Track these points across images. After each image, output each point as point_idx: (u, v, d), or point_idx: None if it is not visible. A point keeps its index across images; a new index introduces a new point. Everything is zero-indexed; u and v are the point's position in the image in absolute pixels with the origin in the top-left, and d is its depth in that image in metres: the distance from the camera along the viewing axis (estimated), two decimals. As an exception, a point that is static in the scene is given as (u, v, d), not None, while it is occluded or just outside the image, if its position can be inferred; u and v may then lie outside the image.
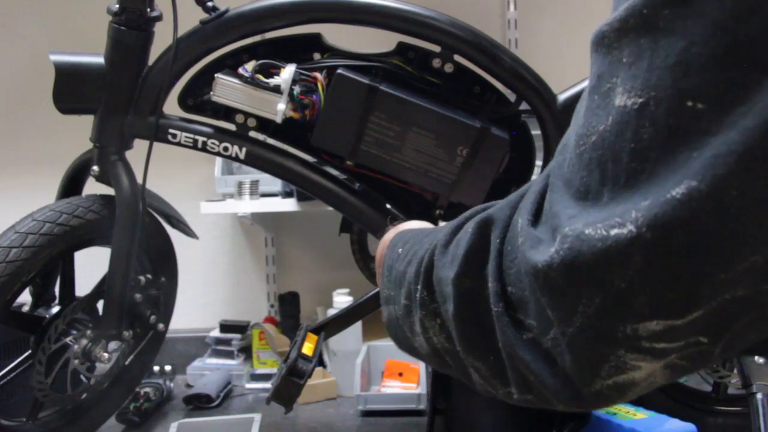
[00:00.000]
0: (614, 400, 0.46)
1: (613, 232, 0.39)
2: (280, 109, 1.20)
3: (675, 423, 1.28)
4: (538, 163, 1.32)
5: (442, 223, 0.91)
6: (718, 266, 0.37)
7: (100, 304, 1.35)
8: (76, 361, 1.30)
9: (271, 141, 1.32)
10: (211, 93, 1.23)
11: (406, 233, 0.73)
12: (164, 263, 1.46)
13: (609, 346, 0.42)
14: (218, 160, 1.94)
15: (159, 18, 1.26)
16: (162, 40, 1.27)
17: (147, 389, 1.76)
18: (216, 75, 1.23)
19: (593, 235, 0.39)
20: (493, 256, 0.50)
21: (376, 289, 1.33)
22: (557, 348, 0.45)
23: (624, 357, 0.42)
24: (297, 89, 1.21)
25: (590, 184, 0.41)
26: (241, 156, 1.27)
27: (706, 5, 0.36)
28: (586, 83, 1.32)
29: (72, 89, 1.25)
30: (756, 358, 1.18)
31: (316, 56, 1.26)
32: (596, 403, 0.47)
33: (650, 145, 0.38)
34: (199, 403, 1.80)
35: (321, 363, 1.90)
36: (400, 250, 0.68)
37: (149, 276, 1.41)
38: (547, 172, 0.48)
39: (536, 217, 0.47)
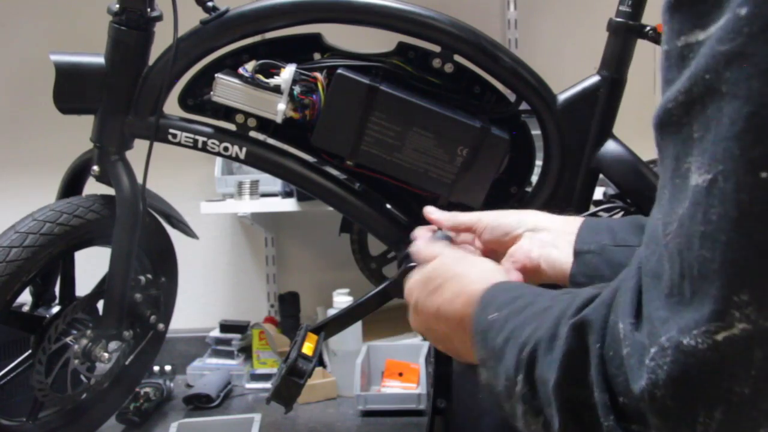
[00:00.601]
0: None
1: (722, 336, 0.34)
2: (280, 109, 1.20)
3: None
4: (538, 163, 1.32)
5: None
6: None
7: (100, 304, 1.35)
8: (76, 361, 1.30)
9: (271, 141, 1.32)
10: (212, 93, 1.23)
11: (498, 292, 0.65)
12: (164, 263, 1.46)
13: None
14: (218, 160, 1.94)
15: (159, 18, 1.26)
16: (162, 40, 1.27)
17: (147, 389, 1.77)
18: (216, 75, 1.23)
19: (694, 344, 0.35)
20: (595, 364, 0.44)
21: (376, 289, 1.33)
22: None
23: None
24: (297, 89, 1.21)
25: (674, 278, 0.37)
26: (241, 156, 1.27)
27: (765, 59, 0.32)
28: (586, 83, 1.32)
29: (72, 89, 1.25)
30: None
31: (316, 56, 1.26)
32: None
33: (719, 228, 0.34)
34: (199, 403, 1.80)
35: (321, 363, 1.90)
36: (495, 315, 0.61)
37: (149, 276, 1.41)
38: (637, 265, 0.43)
39: (638, 318, 0.41)
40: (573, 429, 0.47)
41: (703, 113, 0.35)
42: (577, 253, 0.81)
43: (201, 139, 1.27)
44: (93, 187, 1.35)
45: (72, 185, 1.37)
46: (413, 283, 0.77)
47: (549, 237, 0.84)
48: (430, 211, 0.94)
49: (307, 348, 1.26)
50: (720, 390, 0.35)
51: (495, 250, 0.88)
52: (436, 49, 1.24)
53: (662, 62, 0.39)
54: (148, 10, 1.24)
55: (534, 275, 0.83)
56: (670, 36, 0.38)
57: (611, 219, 0.88)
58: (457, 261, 0.75)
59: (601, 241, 0.80)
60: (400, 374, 1.81)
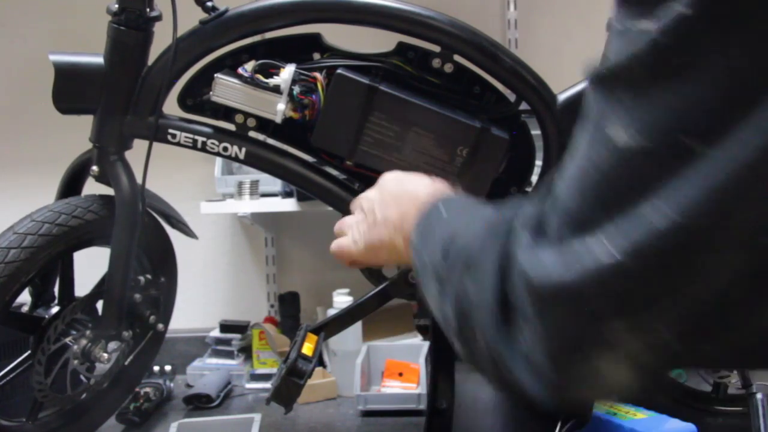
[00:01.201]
0: (586, 397, 0.52)
1: (590, 252, 0.43)
2: (279, 109, 1.20)
3: (675, 423, 1.28)
4: (538, 162, 1.32)
5: None
6: (686, 284, 0.42)
7: (99, 305, 1.35)
8: (76, 362, 1.30)
9: (270, 141, 1.32)
10: (211, 93, 1.23)
11: (451, 201, 0.75)
12: (164, 263, 1.46)
13: (582, 345, 0.46)
14: (218, 160, 1.94)
15: (158, 18, 1.26)
16: (161, 40, 1.27)
17: (147, 389, 1.76)
18: (215, 75, 1.22)
19: (576, 258, 0.44)
20: (496, 263, 0.52)
21: (376, 289, 1.33)
22: (533, 348, 0.49)
23: (594, 357, 0.46)
24: (297, 89, 1.21)
25: (583, 207, 0.45)
26: (241, 156, 1.27)
27: (709, 54, 0.39)
28: (586, 84, 1.32)
29: (71, 89, 1.25)
30: (756, 358, 1.18)
31: (316, 56, 1.26)
32: (568, 400, 0.51)
33: (623, 174, 0.42)
34: (199, 403, 1.80)
35: (321, 363, 1.90)
36: (444, 213, 0.70)
37: (149, 276, 1.41)
38: (549, 185, 0.50)
39: (536, 229, 0.49)
40: (463, 307, 0.55)
41: (638, 83, 0.43)
42: None
43: (200, 139, 1.27)
44: (92, 188, 1.35)
45: (71, 185, 1.37)
46: (398, 173, 0.90)
47: None
48: None
49: (307, 348, 1.26)
50: (584, 300, 0.44)
51: None
52: (436, 49, 1.24)
53: (612, 25, 0.46)
54: (147, 10, 1.24)
55: None
56: (620, 15, 0.45)
57: None
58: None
59: None
60: (400, 374, 1.81)
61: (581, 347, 0.46)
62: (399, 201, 0.83)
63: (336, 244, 0.97)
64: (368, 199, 0.89)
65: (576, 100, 1.28)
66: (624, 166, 0.43)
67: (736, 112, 0.39)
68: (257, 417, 1.60)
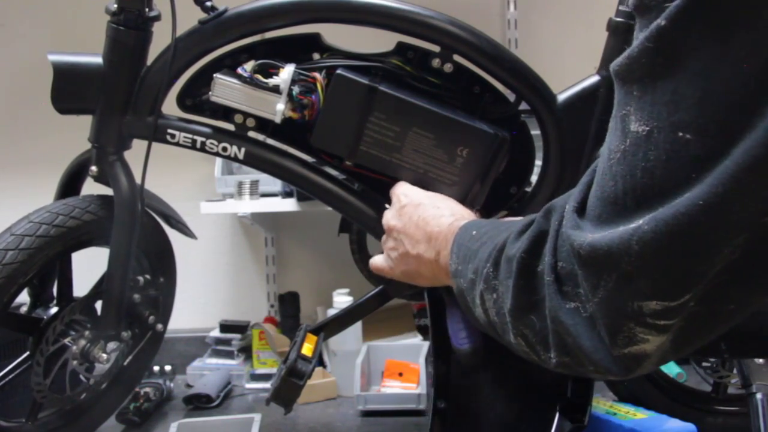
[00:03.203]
0: (634, 370, 0.57)
1: (625, 227, 0.50)
2: (279, 109, 1.20)
3: (675, 423, 1.28)
4: (538, 162, 1.32)
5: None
6: (700, 261, 0.48)
7: (98, 305, 1.34)
8: (75, 362, 1.29)
9: (270, 141, 1.31)
10: (210, 93, 1.23)
11: (481, 221, 0.84)
12: (163, 263, 1.46)
13: (622, 317, 0.53)
14: (218, 160, 1.94)
15: (157, 18, 1.26)
16: (161, 39, 1.27)
17: (147, 389, 1.76)
18: (215, 75, 1.22)
19: (612, 231, 0.51)
20: (551, 236, 0.60)
21: (376, 289, 1.33)
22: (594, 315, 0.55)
23: (634, 330, 0.53)
24: (296, 89, 1.20)
25: (617, 192, 0.51)
26: (240, 156, 1.27)
27: (688, 57, 0.45)
28: (586, 83, 1.32)
29: (70, 89, 1.25)
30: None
31: (316, 56, 1.26)
32: (621, 370, 0.56)
33: (656, 165, 0.48)
34: (199, 403, 1.80)
35: (321, 363, 1.90)
36: (475, 232, 0.78)
37: (148, 276, 1.41)
38: (594, 168, 0.59)
39: (582, 205, 0.57)
40: (522, 285, 0.63)
41: (641, 80, 0.48)
42: None
43: (199, 139, 1.27)
44: (91, 188, 1.35)
45: (70, 186, 1.37)
46: (411, 189, 1.03)
47: None
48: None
49: (307, 349, 1.26)
50: (617, 265, 0.51)
51: None
52: (436, 49, 1.24)
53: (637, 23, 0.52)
54: (146, 9, 1.23)
55: None
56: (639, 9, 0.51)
57: None
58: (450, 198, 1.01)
59: None
60: (400, 374, 1.81)
61: (619, 305, 0.52)
62: (427, 234, 0.90)
63: (374, 263, 1.06)
64: (395, 230, 0.96)
65: (576, 100, 1.27)
66: (644, 154, 0.48)
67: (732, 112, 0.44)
68: (257, 417, 1.60)
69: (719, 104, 0.44)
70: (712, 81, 0.44)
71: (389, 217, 0.99)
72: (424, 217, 0.93)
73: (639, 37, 0.49)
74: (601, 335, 0.55)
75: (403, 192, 1.00)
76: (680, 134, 0.46)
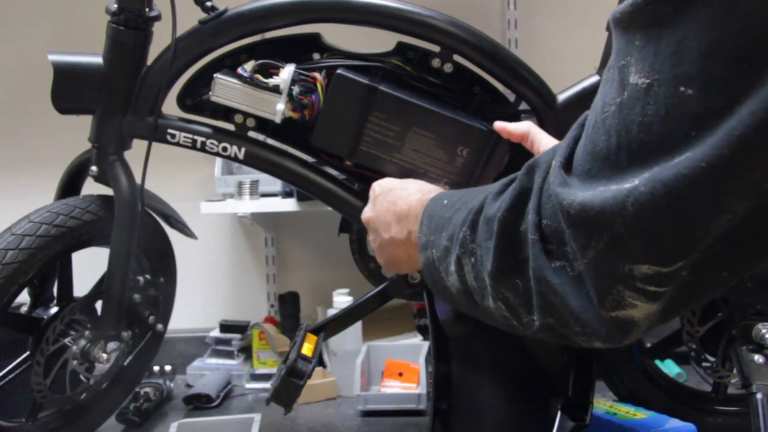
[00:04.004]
0: (621, 337, 0.54)
1: (618, 186, 0.47)
2: (279, 109, 1.20)
3: (675, 423, 1.28)
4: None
5: None
6: (697, 227, 0.45)
7: (98, 305, 1.34)
8: (75, 362, 1.30)
9: (270, 141, 1.31)
10: (210, 93, 1.23)
11: (452, 191, 0.80)
12: (163, 263, 1.46)
13: (611, 280, 0.50)
14: (218, 160, 1.94)
15: (157, 18, 1.26)
16: (161, 39, 1.27)
17: (147, 389, 1.76)
18: (215, 75, 1.22)
19: (605, 189, 0.48)
20: (535, 193, 0.57)
21: (376, 290, 1.33)
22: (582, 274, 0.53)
23: (623, 293, 0.51)
24: (296, 89, 1.20)
25: (610, 147, 0.49)
26: (240, 156, 1.27)
27: (698, 4, 0.42)
28: (586, 83, 1.32)
29: (70, 89, 1.25)
30: (756, 358, 1.18)
31: (316, 56, 1.26)
32: (608, 334, 0.54)
33: (654, 120, 0.45)
34: (199, 403, 1.79)
35: (321, 363, 1.90)
36: (446, 201, 0.75)
37: (148, 276, 1.41)
38: (582, 121, 0.56)
39: (568, 161, 0.54)
40: (504, 245, 0.60)
41: (645, 29, 0.45)
42: None
43: (200, 139, 1.27)
44: (91, 188, 1.35)
45: (70, 186, 1.37)
46: (383, 180, 0.97)
47: None
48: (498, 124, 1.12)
49: (307, 349, 1.26)
50: (606, 222, 0.48)
51: None
52: (436, 49, 1.24)
53: None
54: (147, 9, 1.23)
55: None
56: None
57: None
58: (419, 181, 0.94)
59: None
60: (400, 374, 1.81)
61: (610, 267, 0.50)
62: (396, 215, 0.87)
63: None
64: (371, 221, 0.93)
65: (576, 100, 1.27)
66: (642, 108, 0.45)
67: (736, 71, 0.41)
68: (257, 417, 1.60)
69: (727, 58, 0.41)
70: (721, 32, 0.41)
71: (366, 211, 0.96)
72: (393, 199, 0.89)
73: None
74: (590, 295, 0.53)
75: (377, 184, 0.97)
76: (682, 89, 0.43)
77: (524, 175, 0.60)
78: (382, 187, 0.94)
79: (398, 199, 0.88)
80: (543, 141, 1.01)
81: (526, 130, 1.05)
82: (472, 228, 0.65)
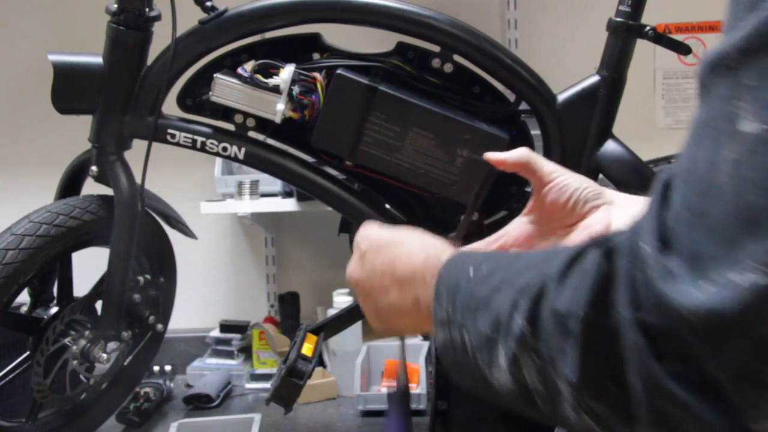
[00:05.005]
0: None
1: (755, 276, 0.37)
2: (279, 109, 1.20)
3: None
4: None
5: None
6: None
7: (98, 305, 1.34)
8: (75, 362, 1.29)
9: (270, 141, 1.31)
10: (210, 93, 1.23)
11: (473, 254, 0.66)
12: (163, 263, 1.46)
13: (760, 388, 0.41)
14: (218, 160, 1.94)
15: (158, 18, 1.26)
16: (161, 39, 1.27)
17: (147, 389, 1.76)
18: (215, 75, 1.22)
19: (738, 282, 0.38)
20: (623, 283, 0.46)
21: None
22: (715, 380, 0.42)
23: None
24: (296, 89, 1.20)
25: (726, 218, 0.39)
26: (240, 156, 1.27)
27: None
28: (586, 83, 1.32)
29: (70, 89, 1.25)
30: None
31: (316, 56, 1.26)
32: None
33: None
34: (199, 403, 1.79)
35: (321, 363, 1.90)
36: (472, 271, 0.62)
37: (148, 276, 1.41)
38: (663, 190, 0.45)
39: (663, 239, 0.43)
40: (592, 350, 0.48)
41: (758, 64, 0.38)
42: None
43: (200, 139, 1.27)
44: (91, 188, 1.35)
45: (70, 186, 1.37)
46: (371, 230, 0.78)
47: (628, 212, 0.77)
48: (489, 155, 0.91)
49: (307, 349, 1.26)
50: (749, 330, 0.38)
51: (548, 214, 0.83)
52: (436, 49, 1.24)
53: (728, 6, 0.41)
54: (147, 9, 1.23)
55: None
56: None
57: None
58: (418, 230, 0.77)
59: None
60: (400, 374, 1.81)
61: (756, 372, 0.40)
62: (396, 279, 0.73)
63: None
64: (360, 282, 0.78)
65: (576, 100, 1.27)
66: (764, 163, 0.37)
67: None
68: (257, 417, 1.60)
69: None
70: None
71: (351, 270, 0.80)
72: (390, 259, 0.74)
73: (746, 18, 0.39)
74: (729, 405, 0.43)
75: (362, 236, 0.80)
76: None
77: (601, 260, 0.48)
78: (369, 242, 0.78)
79: (396, 260, 0.74)
80: (546, 168, 0.85)
81: (524, 157, 0.87)
82: (531, 322, 0.53)
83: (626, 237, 0.47)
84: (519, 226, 0.86)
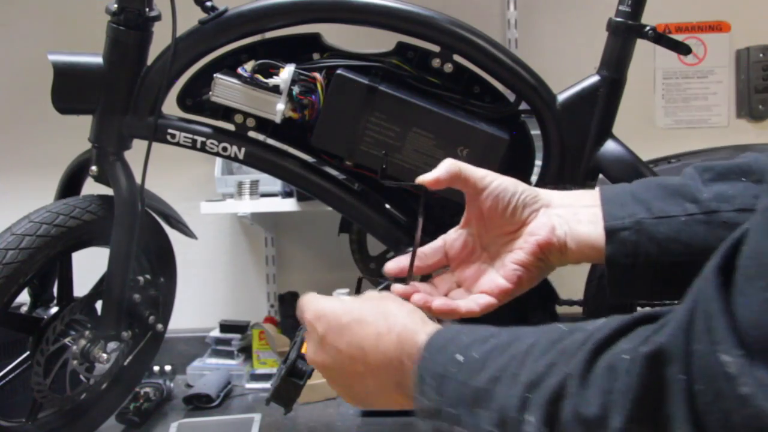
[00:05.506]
0: None
1: None
2: (279, 109, 1.20)
3: None
4: (538, 162, 1.32)
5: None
6: None
7: (98, 305, 1.34)
8: (75, 362, 1.30)
9: (270, 141, 1.31)
10: (210, 93, 1.23)
11: (455, 337, 0.59)
12: (163, 263, 1.46)
13: None
14: (218, 160, 1.94)
15: (158, 18, 1.26)
16: (161, 39, 1.27)
17: (147, 389, 1.76)
18: (215, 75, 1.22)
19: None
20: (681, 398, 0.40)
21: (376, 289, 1.33)
22: None
23: None
24: (296, 89, 1.20)
25: None
26: (240, 156, 1.27)
27: None
28: (586, 83, 1.32)
29: (70, 89, 1.25)
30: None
31: (316, 56, 1.26)
32: None
33: None
34: (199, 403, 1.79)
35: (321, 363, 1.89)
36: (460, 357, 0.56)
37: (148, 276, 1.41)
38: (718, 280, 0.39)
39: (741, 339, 0.37)
40: None
41: None
42: (610, 232, 0.71)
43: (200, 139, 1.27)
44: (91, 188, 1.35)
45: (70, 186, 1.37)
46: (319, 305, 0.71)
47: (568, 212, 0.76)
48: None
49: (307, 349, 1.25)
50: None
51: (487, 222, 0.79)
52: (436, 49, 1.24)
53: None
54: (147, 9, 1.23)
55: (558, 255, 0.75)
56: None
57: (632, 185, 0.77)
58: (381, 298, 0.70)
59: (634, 214, 0.71)
60: (400, 374, 1.81)
61: None
62: (370, 368, 0.66)
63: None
64: (325, 369, 0.71)
65: (576, 100, 1.27)
66: None
67: None
68: (257, 417, 1.60)
69: None
70: None
71: (311, 355, 0.72)
72: (356, 342, 0.66)
73: None
74: None
75: (312, 315, 0.71)
76: None
77: (645, 367, 0.42)
78: (326, 323, 0.69)
79: (363, 343, 0.66)
80: (477, 174, 0.79)
81: (454, 167, 0.78)
82: (550, 424, 0.47)
83: (680, 340, 0.40)
84: (458, 238, 0.82)
